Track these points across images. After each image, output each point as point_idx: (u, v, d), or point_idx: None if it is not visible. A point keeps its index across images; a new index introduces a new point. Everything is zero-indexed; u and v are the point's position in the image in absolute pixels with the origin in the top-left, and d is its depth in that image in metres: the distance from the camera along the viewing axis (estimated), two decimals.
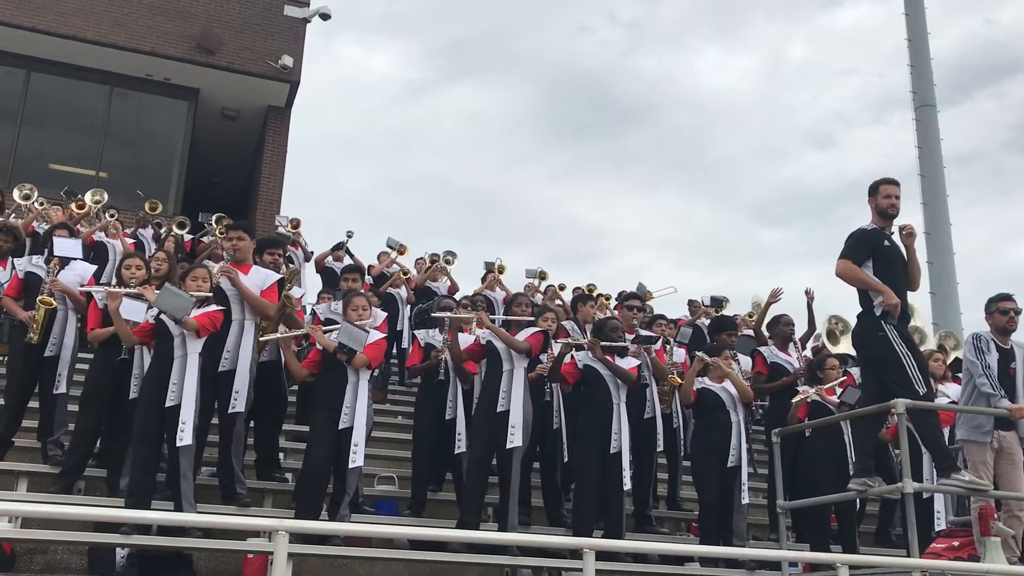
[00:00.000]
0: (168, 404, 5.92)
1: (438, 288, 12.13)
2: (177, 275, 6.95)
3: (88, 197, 11.17)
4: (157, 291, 6.17)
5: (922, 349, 7.46)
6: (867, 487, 5.99)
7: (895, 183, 6.27)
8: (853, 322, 6.39)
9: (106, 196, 11.34)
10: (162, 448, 6.12)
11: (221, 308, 6.40)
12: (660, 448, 7.79)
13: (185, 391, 5.97)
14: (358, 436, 6.17)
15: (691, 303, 12.87)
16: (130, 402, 6.43)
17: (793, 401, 7.46)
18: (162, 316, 6.08)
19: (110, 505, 6.07)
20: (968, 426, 6.35)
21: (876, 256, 6.05)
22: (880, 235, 6.14)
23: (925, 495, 7.00)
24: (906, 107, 21.77)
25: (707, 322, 11.10)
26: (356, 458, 6.13)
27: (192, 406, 5.97)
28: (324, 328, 6.66)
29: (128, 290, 6.32)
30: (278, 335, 6.56)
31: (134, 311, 6.21)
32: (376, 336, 6.50)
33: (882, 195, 6.19)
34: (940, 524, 7.09)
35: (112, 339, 6.54)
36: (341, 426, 6.16)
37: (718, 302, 12.70)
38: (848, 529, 7.32)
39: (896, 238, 6.20)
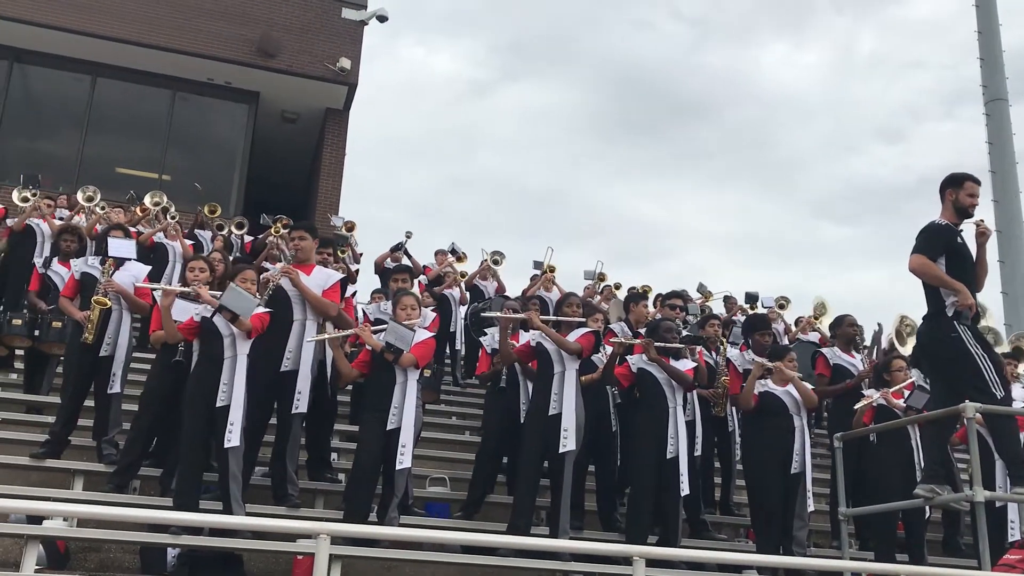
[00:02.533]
0: (219, 405, 5.93)
1: (486, 287, 12.13)
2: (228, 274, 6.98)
3: (147, 199, 11.35)
4: (215, 291, 6.19)
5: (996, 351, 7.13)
6: (935, 494, 5.72)
7: (979, 181, 5.96)
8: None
9: (165, 198, 11.50)
10: (211, 448, 6.12)
11: (269, 310, 6.39)
12: (699, 452, 7.55)
13: (235, 392, 5.98)
14: (406, 437, 6.10)
15: (727, 300, 12.64)
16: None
17: (857, 407, 7.20)
18: (213, 316, 6.08)
19: (161, 506, 6.08)
20: None
21: (950, 253, 5.76)
22: (954, 231, 5.84)
23: (997, 504, 6.68)
24: (978, 101, 21.07)
25: (743, 319, 10.87)
26: (404, 459, 6.06)
27: (241, 407, 5.98)
28: (372, 328, 6.61)
29: (182, 289, 6.35)
30: (327, 335, 6.53)
31: (181, 312, 6.23)
32: (424, 335, 6.43)
33: (966, 192, 5.86)
34: (1014, 535, 6.77)
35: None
36: (389, 427, 6.10)
37: (753, 298, 12.45)
38: (916, 538, 7.04)
39: (966, 235, 5.91)
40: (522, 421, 7.19)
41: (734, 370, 7.80)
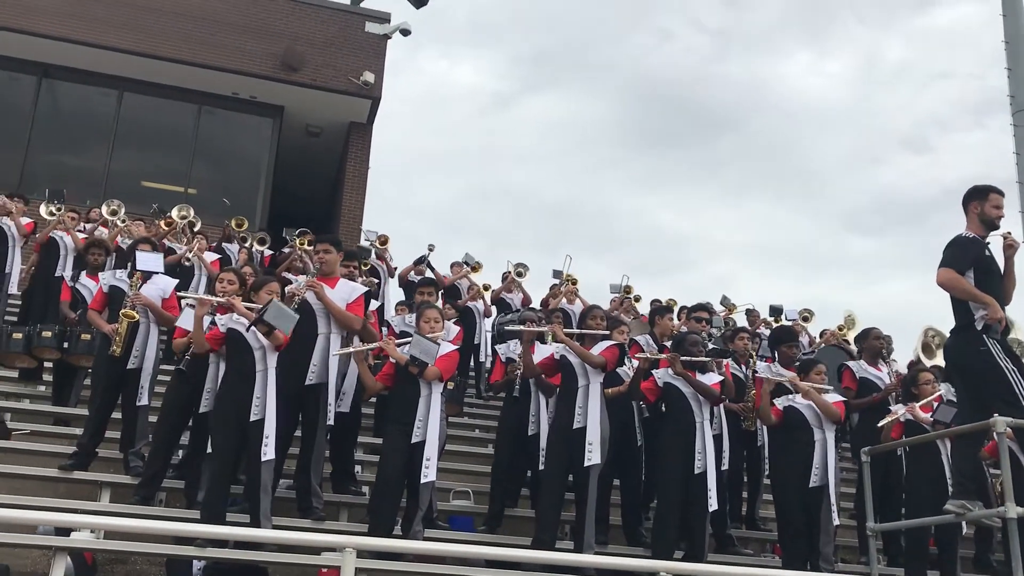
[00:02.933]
0: (253, 419, 5.93)
1: (512, 300, 12.15)
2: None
3: (175, 212, 11.43)
4: (262, 304, 6.22)
5: None
6: (966, 510, 5.65)
7: (1003, 192, 5.92)
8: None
9: (192, 212, 11.58)
10: (239, 462, 6.14)
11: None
12: (725, 467, 7.52)
13: (268, 405, 5.98)
14: (430, 450, 6.10)
15: (749, 313, 12.58)
16: (201, 415, 6.48)
17: (882, 424, 7.12)
18: (248, 329, 6.10)
19: (187, 519, 6.11)
20: None
21: (978, 266, 5.71)
22: (981, 244, 5.80)
23: None
24: (1007, 111, 20.89)
25: (766, 333, 10.82)
26: (428, 472, 6.05)
27: (274, 420, 5.99)
28: (397, 341, 6.62)
29: (219, 300, 6.38)
30: (352, 348, 6.55)
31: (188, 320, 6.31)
32: (448, 348, 6.43)
33: (991, 203, 5.82)
34: None
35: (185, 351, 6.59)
36: (414, 440, 6.09)
37: (777, 311, 12.39)
38: (949, 554, 6.93)
39: (993, 248, 5.86)
40: (529, 433, 7.23)
41: (761, 383, 7.74)
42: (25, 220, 10.81)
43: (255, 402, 5.95)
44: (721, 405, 7.25)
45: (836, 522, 6.85)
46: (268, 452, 5.90)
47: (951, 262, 5.71)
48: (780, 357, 7.80)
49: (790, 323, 11.49)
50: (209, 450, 6.18)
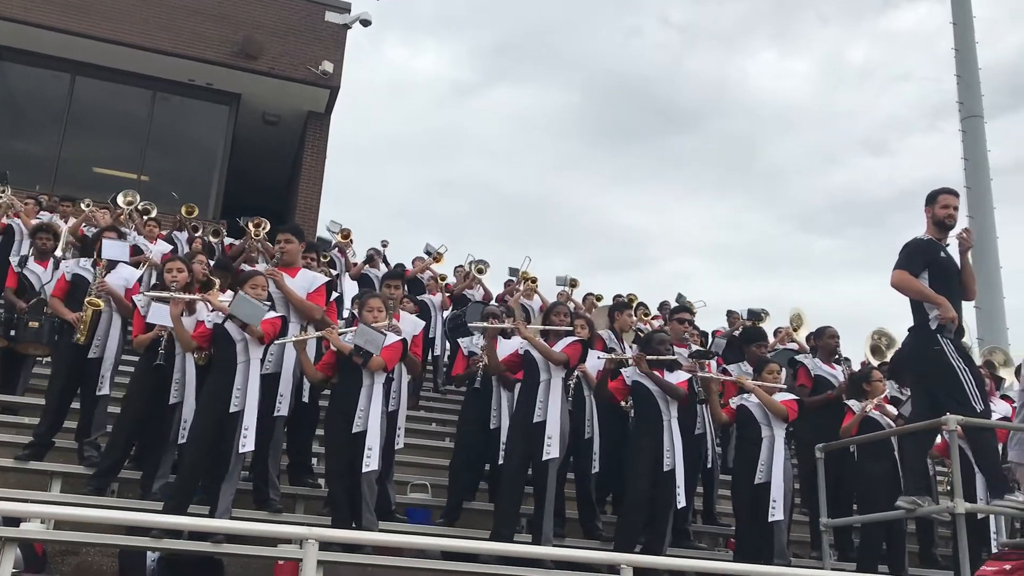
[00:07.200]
0: (232, 410, 5.87)
1: (473, 296, 12.12)
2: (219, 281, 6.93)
3: (120, 199, 11.21)
4: (223, 298, 6.15)
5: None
6: (916, 506, 5.79)
7: (953, 193, 6.14)
8: (899, 337, 6.22)
9: (138, 197, 11.35)
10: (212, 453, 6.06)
11: (281, 315, 6.36)
12: (709, 465, 7.62)
13: (249, 397, 5.92)
14: (372, 440, 6.01)
15: (730, 313, 12.69)
16: (169, 407, 6.40)
17: (853, 418, 7.24)
18: (224, 322, 6.03)
19: (142, 509, 6.01)
20: (1020, 448, 6.18)
21: (932, 267, 5.88)
22: (936, 246, 5.97)
23: (979, 516, 6.75)
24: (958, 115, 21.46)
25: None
26: (371, 462, 5.96)
27: (255, 412, 5.94)
28: (340, 330, 6.56)
29: (191, 296, 6.28)
30: (292, 338, 6.45)
31: (160, 316, 6.21)
32: (393, 338, 6.38)
33: (939, 205, 6.06)
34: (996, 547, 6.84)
35: (154, 344, 6.49)
36: (355, 430, 6.02)
37: (755, 315, 12.51)
38: (897, 549, 7.09)
39: (952, 249, 6.03)
40: (491, 427, 7.24)
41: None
42: None
43: (235, 393, 5.88)
44: (705, 406, 7.33)
45: (778, 517, 6.86)
46: (247, 444, 5.84)
47: (904, 264, 5.90)
48: (748, 357, 7.87)
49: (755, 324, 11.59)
50: (183, 440, 6.08)
